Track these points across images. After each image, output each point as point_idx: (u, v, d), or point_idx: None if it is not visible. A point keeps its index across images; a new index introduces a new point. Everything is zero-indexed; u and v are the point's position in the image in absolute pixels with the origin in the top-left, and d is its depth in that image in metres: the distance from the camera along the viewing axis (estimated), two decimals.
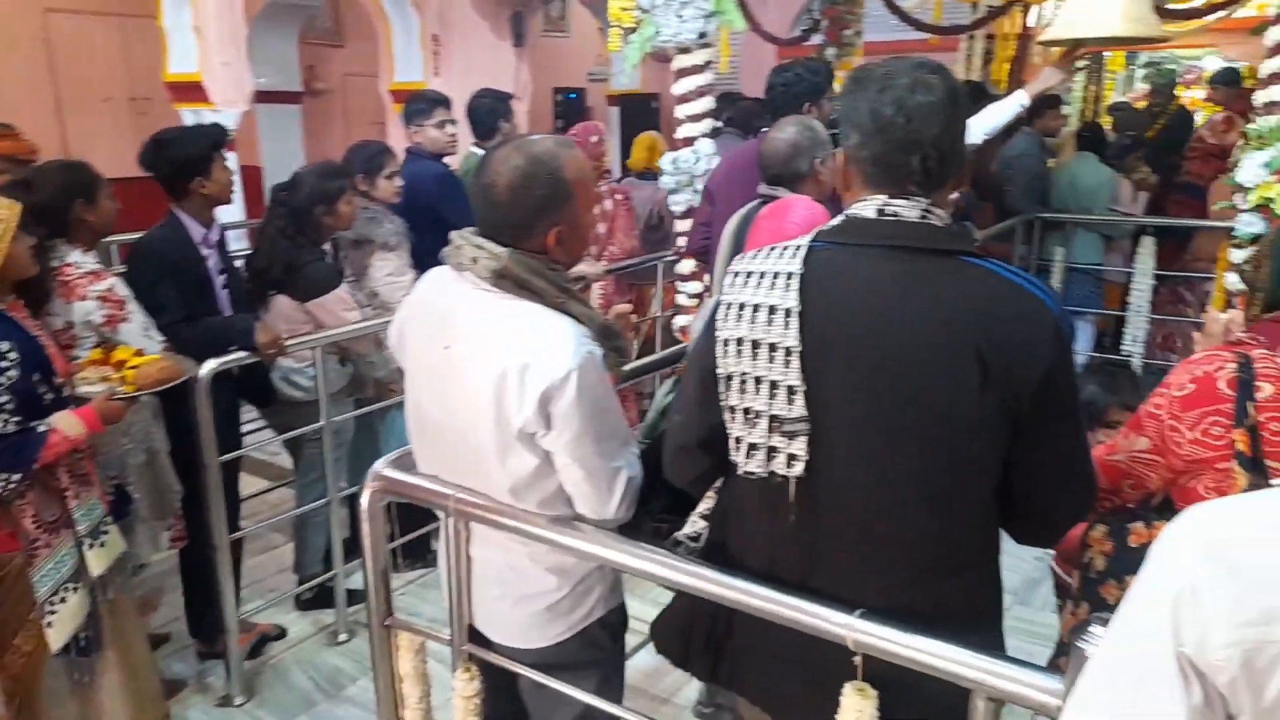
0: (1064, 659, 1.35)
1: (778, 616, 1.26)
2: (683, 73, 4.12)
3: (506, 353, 1.44)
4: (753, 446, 1.29)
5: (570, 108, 9.79)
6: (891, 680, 1.20)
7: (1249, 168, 3.43)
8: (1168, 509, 1.55)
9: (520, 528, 1.53)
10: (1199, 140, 5.88)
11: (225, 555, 2.81)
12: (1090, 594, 1.66)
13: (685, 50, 4.06)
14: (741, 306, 1.29)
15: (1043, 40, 3.88)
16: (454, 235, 1.54)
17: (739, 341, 1.28)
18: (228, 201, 2.91)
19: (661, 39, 3.98)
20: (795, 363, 1.24)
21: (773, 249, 1.31)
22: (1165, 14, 4.89)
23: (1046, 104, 5.54)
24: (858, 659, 1.19)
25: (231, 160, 3.10)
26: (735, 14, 3.94)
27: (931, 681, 1.15)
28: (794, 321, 1.24)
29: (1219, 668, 0.69)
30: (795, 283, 1.25)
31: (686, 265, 4.27)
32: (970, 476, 1.23)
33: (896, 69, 1.26)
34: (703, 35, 3.99)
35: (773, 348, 1.25)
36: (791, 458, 1.26)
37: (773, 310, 1.25)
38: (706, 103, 4.18)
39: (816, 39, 5.76)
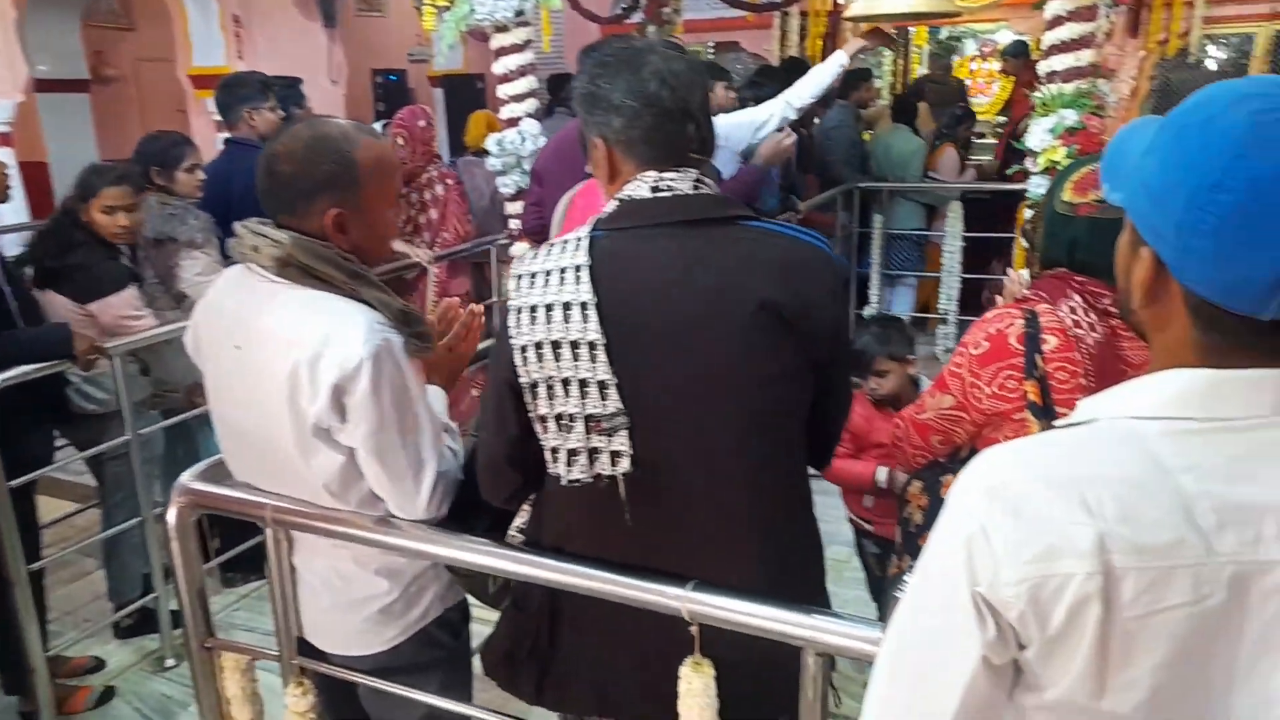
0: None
1: (614, 595, 1.25)
2: (502, 52, 4.07)
3: (296, 345, 1.37)
4: (573, 453, 1.25)
5: (391, 90, 9.48)
6: (727, 659, 1.22)
7: (1036, 133, 3.66)
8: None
9: (340, 531, 1.47)
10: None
11: (25, 590, 2.58)
12: (911, 547, 1.75)
13: (503, 29, 4.01)
14: (534, 309, 1.24)
15: (848, 16, 4.04)
16: (237, 226, 1.46)
17: (538, 346, 1.23)
18: None
19: (477, 17, 3.91)
20: (602, 356, 1.21)
21: (552, 246, 1.29)
22: None
23: (858, 77, 5.78)
24: (694, 629, 1.20)
25: (8, 155, 2.83)
26: None
27: (766, 649, 1.18)
28: (592, 314, 1.21)
29: (1009, 604, 0.73)
30: (585, 274, 1.23)
31: (520, 247, 4.24)
32: (787, 432, 1.27)
33: (642, 47, 1.28)
34: (520, 13, 3.95)
35: (575, 345, 1.21)
36: (615, 455, 1.23)
37: (568, 307, 1.22)
38: (529, 82, 4.14)
39: (637, 17, 5.80)
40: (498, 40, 4.04)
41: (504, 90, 4.13)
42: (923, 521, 1.72)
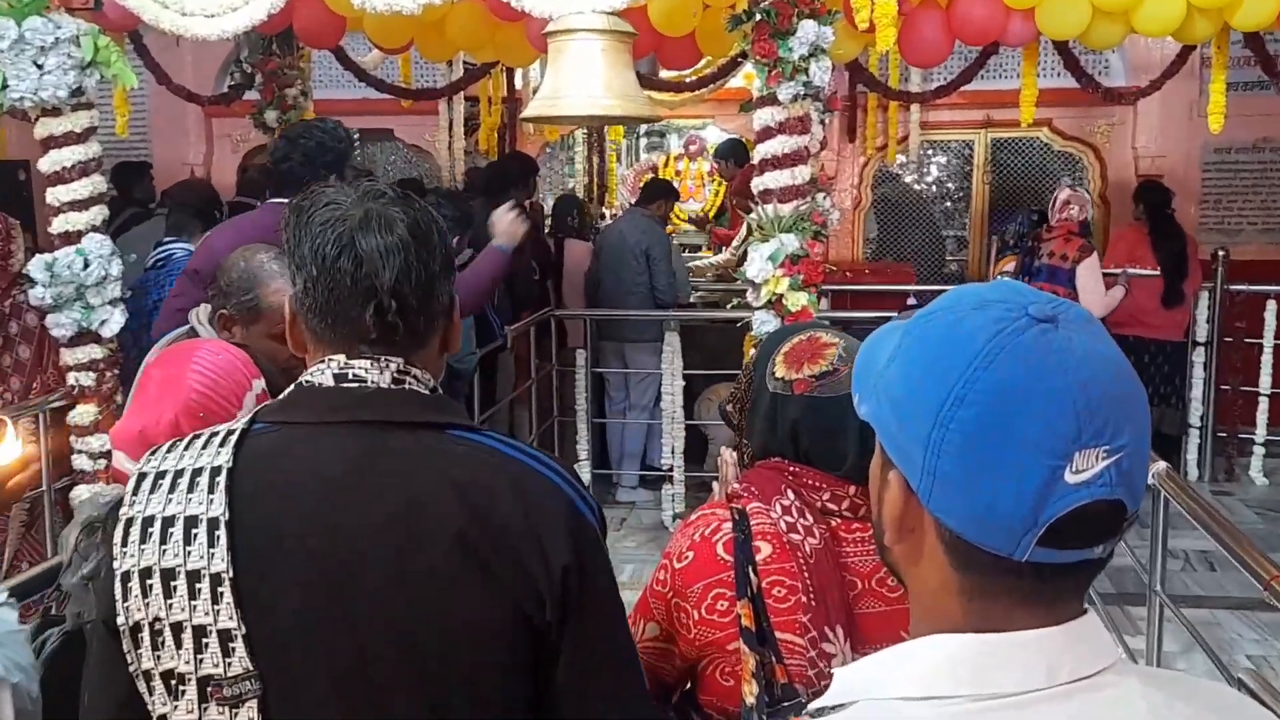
0: None
1: None
2: (52, 143, 3.81)
3: None
4: None
5: None
6: None
7: (756, 262, 3.98)
8: (691, 706, 1.62)
9: None
10: None
11: None
12: None
13: (53, 112, 3.77)
14: (148, 523, 1.20)
15: (526, 117, 4.22)
16: None
17: (146, 574, 1.18)
18: None
19: (14, 95, 3.66)
20: (228, 596, 1.17)
21: (195, 438, 1.27)
22: (653, 86, 5.62)
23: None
24: None
25: None
26: (124, 67, 3.76)
27: None
28: (222, 537, 1.18)
29: None
30: (222, 482, 1.20)
31: (83, 411, 3.91)
32: (502, 716, 1.24)
33: (345, 199, 1.29)
34: (78, 92, 3.74)
35: (195, 578, 1.17)
36: None
37: (191, 524, 1.19)
38: (93, 184, 3.90)
39: (251, 95, 5.73)
40: (45, 127, 3.79)
41: (57, 195, 3.85)
42: None
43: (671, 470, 5.89)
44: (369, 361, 1.28)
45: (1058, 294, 1.09)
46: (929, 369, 0.82)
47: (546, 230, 6.97)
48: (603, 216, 8.25)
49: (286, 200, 3.20)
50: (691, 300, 6.57)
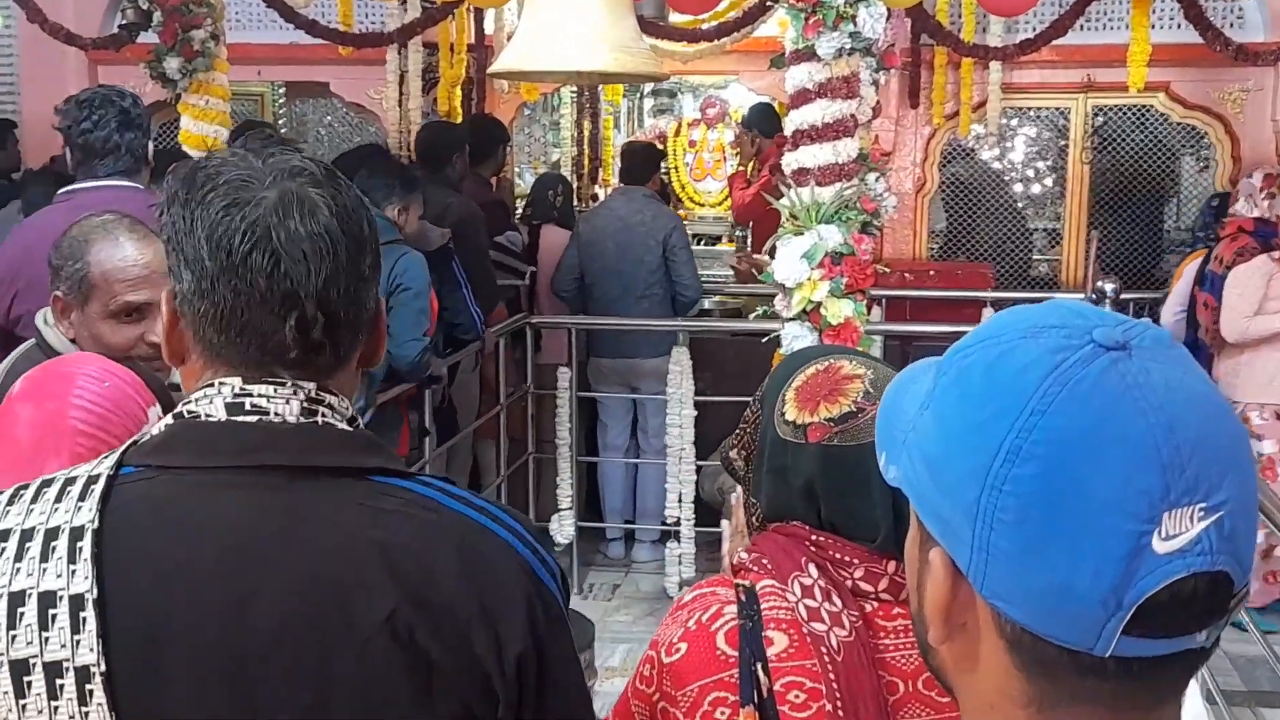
0: None
1: None
2: None
3: None
4: None
5: None
6: None
7: (787, 260, 3.97)
8: None
9: None
10: None
11: None
12: None
13: None
14: None
15: (496, 71, 4.21)
16: None
17: None
18: None
19: None
20: (100, 696, 1.16)
21: (45, 484, 1.26)
22: (661, 34, 5.59)
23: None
24: None
25: None
26: None
27: None
28: (90, 620, 1.17)
29: None
30: (86, 547, 1.19)
31: None
32: None
33: (256, 172, 1.27)
34: None
35: (55, 672, 1.17)
36: None
37: (48, 603, 1.18)
38: None
39: (148, 38, 5.70)
40: None
41: None
42: None
43: (679, 524, 5.85)
44: (272, 388, 1.27)
45: None
46: (973, 417, 0.82)
47: (520, 214, 7.01)
48: (595, 198, 8.27)
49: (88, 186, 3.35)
50: (706, 306, 6.64)
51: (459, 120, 7.31)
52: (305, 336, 1.26)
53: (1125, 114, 8.19)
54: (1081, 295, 5.67)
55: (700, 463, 5.76)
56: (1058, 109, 8.35)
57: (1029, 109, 8.53)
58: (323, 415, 1.28)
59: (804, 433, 1.59)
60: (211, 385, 1.27)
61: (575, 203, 7.48)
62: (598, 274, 6.23)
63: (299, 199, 1.26)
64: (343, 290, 1.27)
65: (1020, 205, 8.69)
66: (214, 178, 1.26)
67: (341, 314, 1.28)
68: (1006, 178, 8.77)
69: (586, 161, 8.51)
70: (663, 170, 7.24)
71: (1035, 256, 8.68)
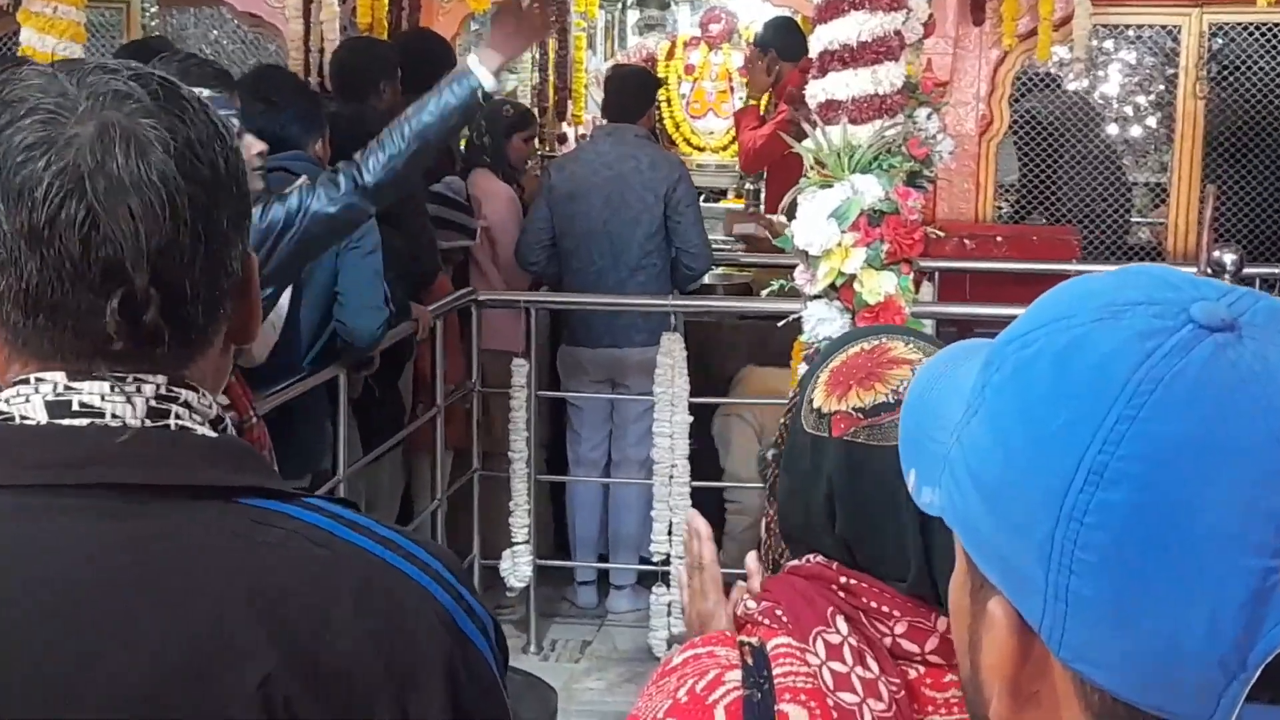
0: None
1: None
2: None
3: None
4: None
5: None
6: None
7: (811, 219, 3.86)
8: None
9: None
10: None
11: None
12: None
13: None
14: None
15: None
16: None
17: None
18: None
19: None
20: None
21: None
22: None
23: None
24: None
25: None
26: None
27: None
28: None
29: None
30: None
31: None
32: None
33: (68, 98, 1.26)
34: None
35: None
36: None
37: None
38: None
39: None
40: None
41: None
42: None
43: (668, 563, 5.79)
44: (107, 384, 1.28)
45: None
46: (1041, 427, 0.80)
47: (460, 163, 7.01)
48: (563, 138, 8.31)
49: None
50: (705, 281, 6.59)
51: (386, 37, 7.24)
52: (135, 321, 1.26)
53: (1252, 34, 7.93)
54: (1194, 268, 5.53)
55: (697, 483, 5.75)
56: (1164, 28, 8.11)
57: (1127, 27, 8.28)
58: (176, 417, 1.30)
59: (828, 424, 1.63)
60: (26, 381, 1.29)
61: (538, 145, 7.54)
62: (579, 238, 6.16)
63: (124, 134, 1.25)
64: (188, 256, 1.27)
65: (1116, 152, 8.49)
66: (12, 107, 1.27)
67: (188, 287, 1.28)
68: (1098, 117, 8.56)
69: (552, 91, 8.56)
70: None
71: (1134, 219, 8.58)
